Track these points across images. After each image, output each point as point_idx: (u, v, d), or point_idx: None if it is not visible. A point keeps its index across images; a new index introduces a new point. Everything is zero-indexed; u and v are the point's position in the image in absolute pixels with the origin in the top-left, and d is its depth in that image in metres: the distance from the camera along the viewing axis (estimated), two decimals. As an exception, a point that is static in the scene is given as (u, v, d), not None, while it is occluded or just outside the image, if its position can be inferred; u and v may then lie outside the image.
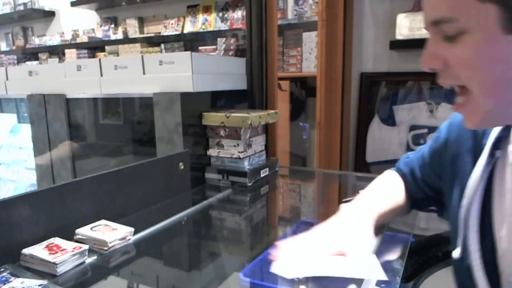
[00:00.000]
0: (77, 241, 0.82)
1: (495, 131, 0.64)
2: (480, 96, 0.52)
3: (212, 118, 1.32)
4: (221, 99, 1.46)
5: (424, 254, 0.95)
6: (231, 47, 2.77)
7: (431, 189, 0.84)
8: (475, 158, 0.66)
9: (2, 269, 0.70)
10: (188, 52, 1.28)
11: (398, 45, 1.83)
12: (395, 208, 0.84)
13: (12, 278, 0.67)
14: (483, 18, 0.47)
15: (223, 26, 3.02)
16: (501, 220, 0.60)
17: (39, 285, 0.65)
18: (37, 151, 1.70)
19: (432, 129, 1.88)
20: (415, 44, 1.78)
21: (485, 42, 0.48)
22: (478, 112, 0.54)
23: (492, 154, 0.63)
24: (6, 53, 4.34)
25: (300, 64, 2.56)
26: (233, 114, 1.29)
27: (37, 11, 4.02)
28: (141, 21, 3.49)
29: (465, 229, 0.64)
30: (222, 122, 1.30)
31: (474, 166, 0.65)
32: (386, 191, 0.88)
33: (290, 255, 0.66)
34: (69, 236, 0.82)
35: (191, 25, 3.19)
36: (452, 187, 0.72)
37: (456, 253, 0.65)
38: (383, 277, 0.62)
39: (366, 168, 2.04)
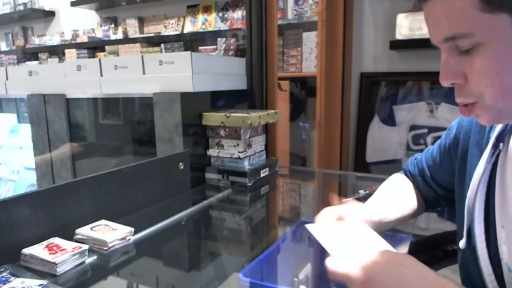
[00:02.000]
0: (77, 241, 0.82)
1: (500, 125, 0.65)
2: (492, 101, 0.53)
3: (212, 118, 1.32)
4: (221, 99, 1.46)
5: (424, 254, 0.95)
6: (231, 47, 2.77)
7: (441, 187, 0.85)
8: (482, 151, 0.67)
9: (2, 269, 0.70)
10: (188, 52, 1.28)
11: (398, 45, 1.83)
12: (404, 211, 0.85)
13: (12, 278, 0.67)
14: (499, 28, 0.49)
15: (223, 26, 3.02)
16: (501, 210, 0.62)
17: (39, 285, 0.65)
18: (37, 151, 1.70)
19: (432, 129, 1.88)
20: (415, 44, 1.78)
21: (504, 50, 0.50)
22: (489, 113, 0.55)
23: (495, 147, 0.64)
24: (6, 53, 4.34)
25: (300, 64, 2.56)
26: (233, 114, 1.29)
27: (37, 11, 4.02)
28: (141, 21, 3.49)
29: (470, 219, 0.66)
30: (222, 122, 1.30)
31: (479, 160, 0.67)
32: (392, 196, 0.88)
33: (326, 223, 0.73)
34: (69, 236, 0.82)
35: (191, 25, 3.19)
36: (462, 181, 0.73)
37: (462, 244, 0.67)
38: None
39: (366, 168, 2.04)
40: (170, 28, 3.27)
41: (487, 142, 0.66)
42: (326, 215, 0.76)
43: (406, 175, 0.94)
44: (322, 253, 0.86)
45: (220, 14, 3.07)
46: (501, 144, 0.64)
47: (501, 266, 0.62)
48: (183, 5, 3.23)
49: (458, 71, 0.54)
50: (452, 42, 0.53)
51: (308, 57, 2.53)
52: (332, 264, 0.59)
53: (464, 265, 0.72)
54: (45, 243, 0.77)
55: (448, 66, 0.55)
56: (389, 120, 1.99)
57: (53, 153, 1.65)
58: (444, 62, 0.55)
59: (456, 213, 0.77)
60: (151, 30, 3.43)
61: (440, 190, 0.85)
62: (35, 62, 4.03)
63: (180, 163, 1.21)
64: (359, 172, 1.98)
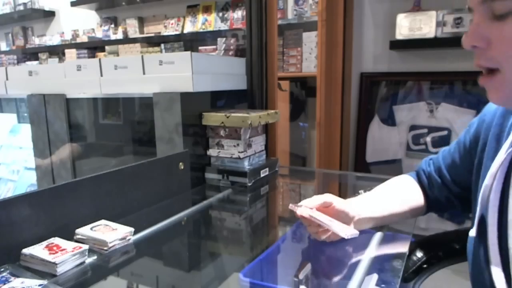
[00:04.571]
0: (77, 241, 0.82)
1: None
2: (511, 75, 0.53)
3: (212, 118, 1.32)
4: (221, 99, 1.46)
5: (425, 254, 0.95)
6: (231, 47, 2.77)
7: (458, 186, 0.84)
8: (500, 143, 0.67)
9: (2, 269, 0.70)
10: (188, 52, 1.28)
11: (398, 45, 1.83)
12: (395, 209, 0.85)
13: (12, 278, 0.67)
14: None
15: (223, 26, 3.02)
16: None
17: (39, 285, 0.65)
18: (37, 151, 1.70)
19: (432, 129, 1.88)
20: (415, 44, 1.78)
21: None
22: (504, 88, 0.55)
23: None
24: (6, 53, 4.34)
25: (300, 64, 2.56)
26: (233, 114, 1.29)
27: (37, 11, 4.02)
28: (141, 21, 3.49)
29: (484, 209, 0.65)
30: (222, 122, 1.30)
31: (497, 153, 0.66)
32: (384, 194, 0.89)
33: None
34: (69, 236, 0.82)
35: (191, 25, 3.19)
36: (478, 172, 0.72)
37: (472, 232, 0.67)
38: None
39: (366, 168, 2.04)
40: (170, 28, 3.27)
41: (508, 134, 0.65)
42: (312, 201, 0.80)
43: (419, 174, 0.93)
44: (322, 253, 0.86)
45: (220, 14, 3.07)
46: None
47: (509, 256, 0.61)
48: (183, 5, 3.23)
49: (484, 35, 0.54)
50: (489, 4, 0.52)
51: (308, 57, 2.53)
52: None
53: (473, 255, 0.71)
54: (45, 243, 0.77)
55: (476, 29, 0.55)
56: (389, 120, 1.99)
57: (53, 156, 1.65)
58: (474, 25, 0.55)
59: (473, 207, 0.76)
60: (151, 30, 3.43)
61: (456, 189, 0.84)
62: (35, 62, 4.03)
63: (180, 163, 1.21)
64: (359, 172, 1.98)
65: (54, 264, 0.70)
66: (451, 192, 0.85)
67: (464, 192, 0.82)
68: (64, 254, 0.73)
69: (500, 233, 0.63)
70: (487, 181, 0.65)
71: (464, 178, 0.82)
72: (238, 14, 2.97)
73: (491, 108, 0.76)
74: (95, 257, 0.79)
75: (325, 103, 1.95)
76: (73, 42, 3.79)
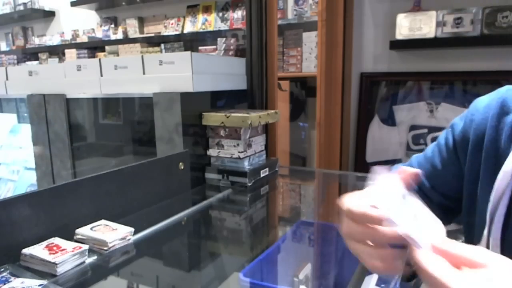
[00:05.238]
0: (77, 241, 0.82)
1: None
2: None
3: (212, 118, 1.32)
4: (221, 99, 1.46)
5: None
6: (231, 47, 2.77)
7: (440, 194, 0.77)
8: (498, 148, 0.63)
9: (2, 269, 0.70)
10: (188, 52, 1.28)
11: (398, 45, 1.83)
12: None
13: (12, 278, 0.67)
14: None
15: (223, 26, 3.02)
16: None
17: (39, 285, 0.65)
18: (37, 151, 1.70)
19: (432, 129, 1.88)
20: (415, 44, 1.78)
21: None
22: None
23: None
24: (6, 53, 4.35)
25: (300, 64, 2.56)
26: (233, 114, 1.29)
27: (37, 11, 4.02)
28: (141, 21, 3.49)
29: (490, 223, 0.62)
30: (222, 122, 1.30)
31: (496, 159, 0.63)
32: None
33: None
34: (69, 236, 0.82)
35: (191, 25, 3.19)
36: (474, 180, 0.68)
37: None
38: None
39: (366, 168, 2.04)
40: (170, 28, 3.27)
41: (508, 139, 0.62)
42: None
43: None
44: (322, 253, 0.86)
45: (220, 14, 3.07)
46: None
47: None
48: (183, 5, 3.23)
49: None
50: None
51: (308, 57, 2.53)
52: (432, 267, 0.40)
53: None
54: (45, 243, 0.77)
55: None
56: (389, 120, 1.99)
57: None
58: None
59: (463, 214, 0.73)
60: (151, 30, 3.43)
61: (436, 197, 0.77)
62: (35, 62, 4.03)
63: (180, 163, 1.21)
64: (359, 172, 1.98)
65: (54, 264, 0.70)
66: (431, 201, 0.77)
67: (445, 201, 0.75)
68: (64, 254, 0.73)
69: (503, 248, 0.61)
70: (495, 194, 0.61)
71: (447, 185, 0.75)
72: (238, 14, 2.97)
73: (479, 107, 0.71)
74: (95, 257, 0.79)
75: (325, 103, 1.95)
76: (73, 42, 3.79)
